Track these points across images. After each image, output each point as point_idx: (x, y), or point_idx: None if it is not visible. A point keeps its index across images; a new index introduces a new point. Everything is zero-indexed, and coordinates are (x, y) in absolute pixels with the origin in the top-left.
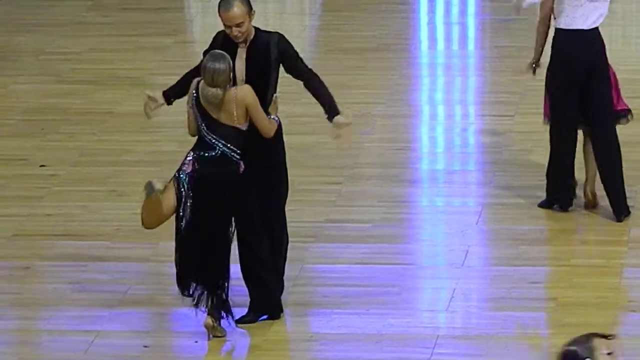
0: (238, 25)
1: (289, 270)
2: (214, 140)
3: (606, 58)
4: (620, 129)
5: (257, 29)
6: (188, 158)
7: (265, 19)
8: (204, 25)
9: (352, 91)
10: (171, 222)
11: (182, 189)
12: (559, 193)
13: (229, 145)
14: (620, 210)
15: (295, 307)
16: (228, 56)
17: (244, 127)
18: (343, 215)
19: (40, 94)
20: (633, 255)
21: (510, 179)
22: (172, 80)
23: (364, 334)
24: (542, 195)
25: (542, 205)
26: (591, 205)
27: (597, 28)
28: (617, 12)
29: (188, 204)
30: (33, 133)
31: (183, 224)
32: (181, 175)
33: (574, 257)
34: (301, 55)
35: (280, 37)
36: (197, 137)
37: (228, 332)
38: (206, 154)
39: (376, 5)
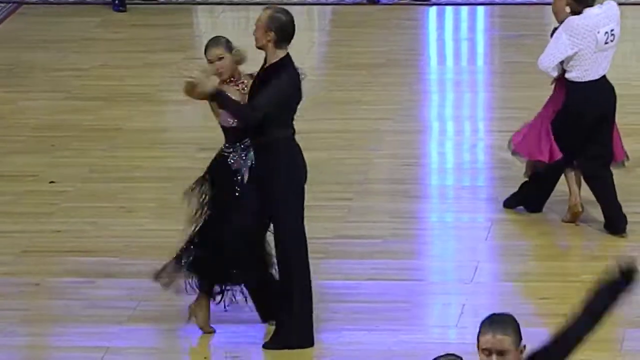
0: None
1: None
2: None
3: (616, 104)
4: (632, 146)
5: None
6: None
7: None
8: None
9: (361, 107)
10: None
11: None
12: (534, 196)
13: None
14: (623, 223)
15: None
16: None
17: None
18: (353, 231)
19: (50, 111)
20: None
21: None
22: (183, 96)
23: (374, 349)
24: (552, 211)
25: (509, 204)
26: (577, 218)
27: (605, 75)
28: (626, 28)
29: None
30: (43, 149)
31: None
32: None
33: (584, 273)
34: (310, 71)
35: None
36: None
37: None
38: None
39: (385, 21)
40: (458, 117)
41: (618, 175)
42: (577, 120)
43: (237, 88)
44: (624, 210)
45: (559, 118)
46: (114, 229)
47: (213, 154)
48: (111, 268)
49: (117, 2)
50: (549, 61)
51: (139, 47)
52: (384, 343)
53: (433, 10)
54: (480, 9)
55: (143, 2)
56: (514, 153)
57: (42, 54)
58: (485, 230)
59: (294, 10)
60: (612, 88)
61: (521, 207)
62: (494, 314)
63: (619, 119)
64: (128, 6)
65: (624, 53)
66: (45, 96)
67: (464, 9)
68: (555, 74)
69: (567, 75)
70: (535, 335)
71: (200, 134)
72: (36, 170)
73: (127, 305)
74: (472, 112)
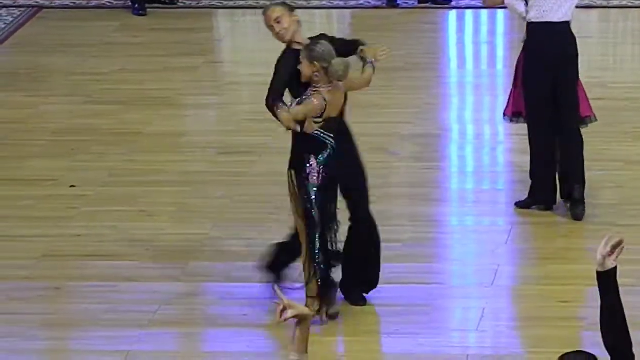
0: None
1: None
2: None
3: (577, 52)
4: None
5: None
6: None
7: None
8: (233, 46)
9: (381, 110)
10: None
11: None
12: (544, 192)
13: None
14: (583, 209)
15: (324, 328)
16: None
17: None
18: None
19: (70, 115)
20: None
21: None
22: (202, 100)
23: (395, 353)
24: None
25: (522, 205)
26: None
27: (568, 21)
28: (626, 30)
29: None
30: (63, 153)
31: None
32: None
33: None
34: None
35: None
36: None
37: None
38: None
39: (404, 25)
40: (478, 120)
41: (635, 179)
42: (539, 61)
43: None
44: None
45: (524, 63)
46: (134, 232)
47: (232, 158)
48: (131, 272)
49: (136, 6)
50: None
51: (158, 51)
52: (404, 346)
53: (453, 14)
54: (500, 13)
55: (163, 6)
56: (511, 120)
57: (62, 58)
58: (505, 234)
59: (313, 14)
60: (574, 38)
61: (535, 206)
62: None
63: (636, 122)
64: (148, 10)
65: (633, 56)
66: (65, 100)
67: (484, 13)
68: (521, 8)
69: (527, 17)
70: (556, 340)
71: (220, 137)
72: (56, 174)
73: (148, 310)
74: (492, 115)
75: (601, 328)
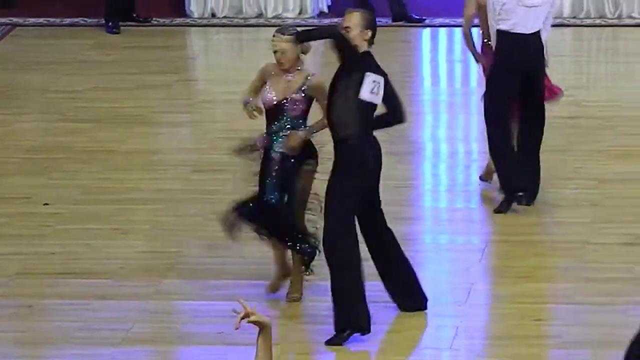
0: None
1: (289, 309)
2: None
3: (545, 63)
4: (613, 166)
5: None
6: None
7: (268, 58)
8: (207, 64)
9: None
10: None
11: None
12: (516, 182)
13: None
14: (533, 195)
15: (300, 345)
16: None
17: None
18: None
19: (44, 132)
20: (638, 293)
21: (513, 216)
22: (176, 118)
23: None
24: (548, 233)
25: (501, 209)
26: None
27: (537, 32)
28: (618, 50)
29: None
30: (37, 171)
31: None
32: None
33: (579, 295)
34: None
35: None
36: None
37: None
38: None
39: (378, 43)
40: (452, 138)
41: (609, 198)
42: (509, 69)
43: (287, 79)
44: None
45: (493, 68)
46: (108, 250)
47: (206, 176)
48: (105, 290)
49: (110, 24)
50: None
51: (132, 69)
52: None
53: (427, 32)
54: (474, 31)
55: (136, 24)
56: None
57: (36, 76)
58: (479, 252)
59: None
60: (541, 47)
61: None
62: None
63: (610, 140)
64: (121, 28)
65: (614, 74)
66: (39, 118)
67: (457, 31)
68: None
69: (497, 27)
70: (530, 358)
71: (193, 155)
72: (30, 192)
73: (121, 327)
74: (466, 133)
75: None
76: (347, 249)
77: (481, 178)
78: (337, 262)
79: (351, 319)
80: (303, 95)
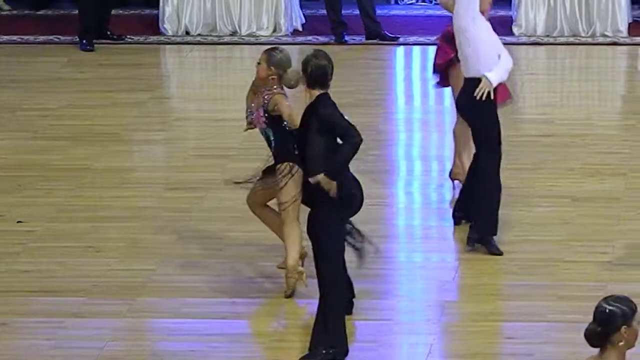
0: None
1: (264, 326)
2: None
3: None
4: (586, 184)
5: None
6: None
7: (241, 76)
8: (181, 81)
9: None
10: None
11: None
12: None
13: None
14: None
15: None
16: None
17: None
18: None
19: (17, 150)
20: None
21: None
22: (150, 136)
23: None
24: (521, 251)
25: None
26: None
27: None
28: (592, 68)
29: None
30: (10, 189)
31: None
32: None
33: (551, 313)
34: None
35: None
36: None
37: None
38: None
39: (352, 61)
40: (425, 156)
41: (582, 216)
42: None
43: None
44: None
45: (489, 106)
46: (82, 269)
47: (180, 194)
48: (79, 308)
49: (84, 41)
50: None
51: (106, 87)
52: None
53: (400, 50)
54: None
55: (110, 42)
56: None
57: (9, 93)
58: (453, 270)
59: (261, 50)
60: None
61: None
62: None
63: (583, 159)
64: (95, 46)
65: (588, 92)
66: (12, 136)
67: (431, 49)
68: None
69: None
70: None
71: (167, 173)
72: (3, 210)
73: (95, 346)
74: (440, 151)
75: None
76: (340, 272)
77: (451, 176)
78: (333, 281)
79: (331, 338)
80: (264, 111)
